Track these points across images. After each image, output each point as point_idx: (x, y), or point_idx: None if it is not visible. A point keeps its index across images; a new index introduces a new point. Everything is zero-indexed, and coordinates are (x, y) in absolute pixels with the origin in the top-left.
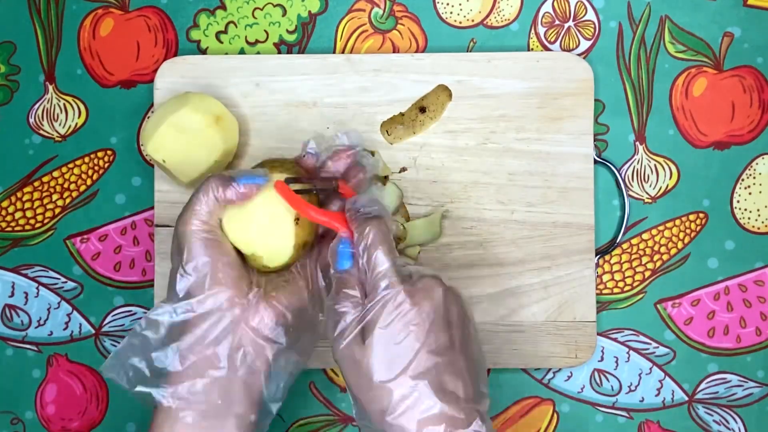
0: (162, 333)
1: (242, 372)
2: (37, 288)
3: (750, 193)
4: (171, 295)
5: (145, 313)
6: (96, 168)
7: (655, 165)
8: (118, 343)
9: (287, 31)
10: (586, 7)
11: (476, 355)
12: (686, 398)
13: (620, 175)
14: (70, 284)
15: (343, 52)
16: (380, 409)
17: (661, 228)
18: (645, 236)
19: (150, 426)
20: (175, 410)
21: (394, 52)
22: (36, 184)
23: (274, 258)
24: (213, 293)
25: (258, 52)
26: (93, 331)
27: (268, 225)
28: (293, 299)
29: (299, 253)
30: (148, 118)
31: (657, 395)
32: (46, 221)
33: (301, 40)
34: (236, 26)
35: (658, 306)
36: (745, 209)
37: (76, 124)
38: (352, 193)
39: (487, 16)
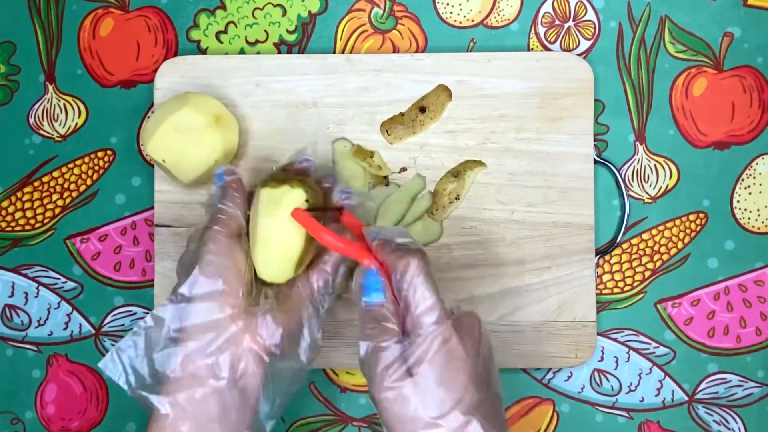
0: (164, 332)
1: (241, 384)
2: (37, 288)
3: (750, 193)
4: (176, 294)
5: (151, 311)
6: (96, 168)
7: (655, 165)
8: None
9: (287, 31)
10: (586, 7)
11: (500, 390)
12: (686, 398)
13: (620, 175)
14: (70, 284)
15: (343, 52)
16: None
17: (661, 228)
18: (645, 236)
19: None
20: (171, 419)
21: (394, 52)
22: (36, 184)
23: (274, 276)
24: (221, 303)
25: (258, 52)
26: (93, 331)
27: (270, 243)
28: (295, 314)
29: (299, 270)
30: (148, 118)
31: (657, 395)
32: (46, 221)
33: (301, 40)
34: (236, 26)
35: (658, 306)
36: (745, 209)
37: (76, 124)
38: (356, 223)
39: (487, 16)
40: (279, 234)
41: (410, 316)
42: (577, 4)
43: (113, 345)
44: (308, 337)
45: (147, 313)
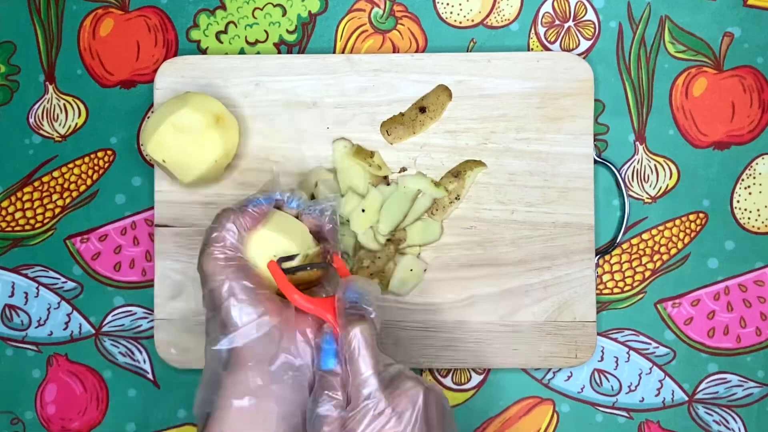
0: (224, 362)
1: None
2: (37, 288)
3: (750, 193)
4: (223, 329)
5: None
6: (96, 168)
7: (655, 165)
8: (118, 343)
9: (287, 31)
10: (586, 7)
11: None
12: (686, 398)
13: (620, 175)
14: (70, 284)
15: (343, 52)
16: None
17: (661, 228)
18: (645, 236)
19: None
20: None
21: (394, 52)
22: (36, 184)
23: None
24: (261, 312)
25: (258, 52)
26: (93, 331)
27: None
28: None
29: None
30: (148, 118)
31: (657, 395)
32: (46, 221)
33: (301, 40)
34: (236, 26)
35: (658, 306)
36: (745, 209)
37: (76, 124)
38: (344, 271)
39: (487, 16)
40: None
41: (351, 386)
42: (577, 4)
43: (114, 346)
44: None
45: (147, 313)
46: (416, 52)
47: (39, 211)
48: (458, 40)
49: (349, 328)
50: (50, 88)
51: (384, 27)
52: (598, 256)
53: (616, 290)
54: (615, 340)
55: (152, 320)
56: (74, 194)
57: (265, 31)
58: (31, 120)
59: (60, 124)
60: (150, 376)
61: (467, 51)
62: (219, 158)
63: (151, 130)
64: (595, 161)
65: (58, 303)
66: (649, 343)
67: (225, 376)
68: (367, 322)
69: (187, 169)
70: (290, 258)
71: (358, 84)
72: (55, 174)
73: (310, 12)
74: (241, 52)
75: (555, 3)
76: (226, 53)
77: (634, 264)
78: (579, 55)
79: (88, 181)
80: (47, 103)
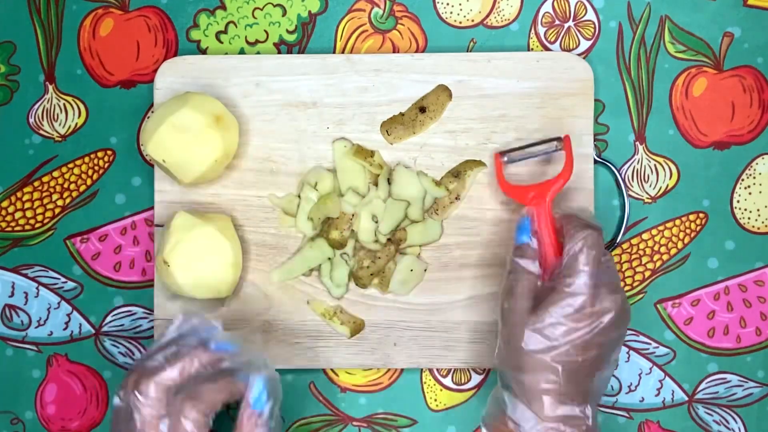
0: None
1: None
2: (37, 288)
3: (750, 193)
4: None
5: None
6: (96, 168)
7: (655, 165)
8: (118, 343)
9: (287, 31)
10: (586, 7)
11: (606, 375)
12: (686, 398)
13: (620, 175)
14: (70, 284)
15: (343, 52)
16: (515, 365)
17: (661, 228)
18: (645, 236)
19: None
20: None
21: (394, 52)
22: (36, 184)
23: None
24: None
25: (258, 52)
26: (93, 331)
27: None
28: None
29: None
30: (148, 118)
31: (657, 395)
32: (46, 221)
33: (301, 40)
34: (236, 26)
35: (658, 306)
36: (745, 209)
37: (76, 124)
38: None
39: (487, 16)
40: None
41: (558, 267)
42: (577, 4)
43: (114, 346)
44: None
45: (147, 313)
46: (416, 52)
47: (39, 211)
48: (458, 40)
49: (583, 230)
50: (50, 88)
51: (384, 27)
52: None
53: None
54: None
55: (152, 320)
56: (74, 194)
57: (265, 31)
58: (31, 120)
59: (60, 124)
60: None
61: (467, 51)
62: (219, 158)
63: (151, 130)
64: (595, 161)
65: (58, 303)
66: (649, 343)
67: None
68: (599, 231)
69: (187, 169)
70: (511, 150)
71: (358, 84)
72: (55, 174)
73: (310, 12)
74: (241, 52)
75: (555, 3)
76: (226, 53)
77: (634, 264)
78: (579, 55)
79: (88, 181)
80: (47, 103)
